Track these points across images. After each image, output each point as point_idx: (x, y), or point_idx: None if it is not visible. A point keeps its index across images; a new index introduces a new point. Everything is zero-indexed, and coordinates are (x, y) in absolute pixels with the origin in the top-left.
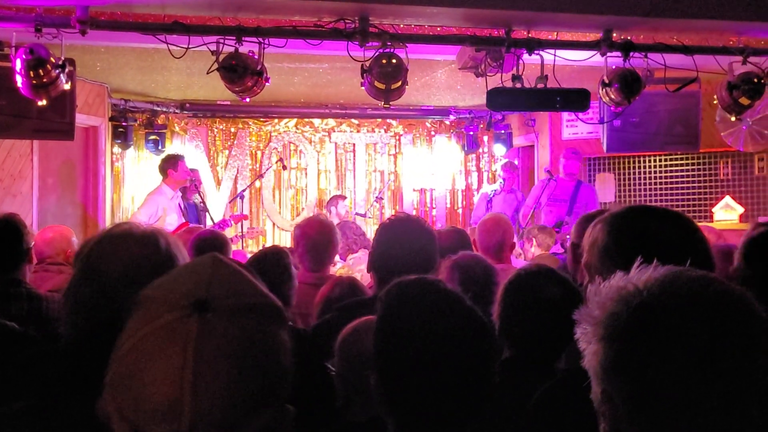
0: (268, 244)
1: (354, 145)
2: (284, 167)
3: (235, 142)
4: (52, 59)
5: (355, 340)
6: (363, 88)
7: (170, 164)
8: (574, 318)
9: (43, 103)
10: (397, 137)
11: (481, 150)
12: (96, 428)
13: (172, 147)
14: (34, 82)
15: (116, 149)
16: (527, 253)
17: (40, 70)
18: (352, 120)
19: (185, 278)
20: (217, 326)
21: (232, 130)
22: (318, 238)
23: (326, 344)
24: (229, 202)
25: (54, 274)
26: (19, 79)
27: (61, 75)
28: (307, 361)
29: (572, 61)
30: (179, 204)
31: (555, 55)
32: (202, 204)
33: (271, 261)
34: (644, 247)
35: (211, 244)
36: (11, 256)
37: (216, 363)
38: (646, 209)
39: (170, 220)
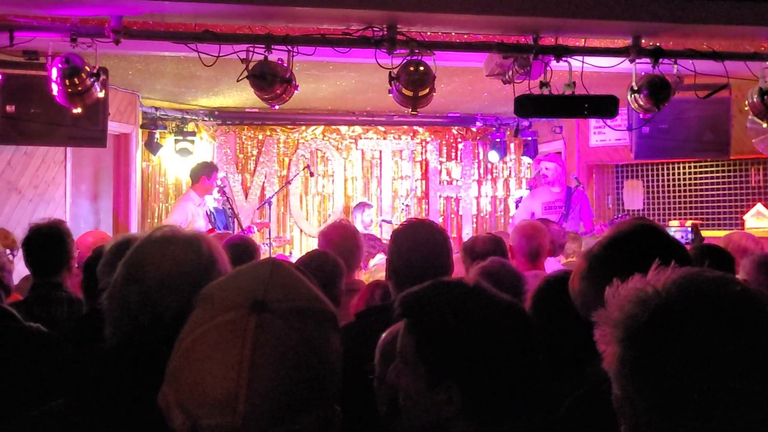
0: (296, 252)
1: (380, 152)
2: (311, 174)
3: (263, 149)
4: (87, 68)
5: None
6: (390, 95)
7: (206, 171)
8: (593, 320)
9: (77, 111)
10: (424, 144)
11: (507, 157)
12: (137, 426)
13: (201, 154)
14: (70, 90)
15: (146, 156)
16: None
17: (75, 79)
18: (379, 127)
19: (245, 280)
20: (274, 326)
21: (260, 137)
22: (343, 243)
23: (354, 350)
24: (257, 209)
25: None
26: (54, 88)
27: (96, 83)
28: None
29: (600, 67)
30: (206, 211)
31: (583, 62)
32: (231, 210)
33: (318, 263)
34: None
35: (242, 250)
36: (54, 261)
37: (271, 361)
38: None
39: (198, 226)
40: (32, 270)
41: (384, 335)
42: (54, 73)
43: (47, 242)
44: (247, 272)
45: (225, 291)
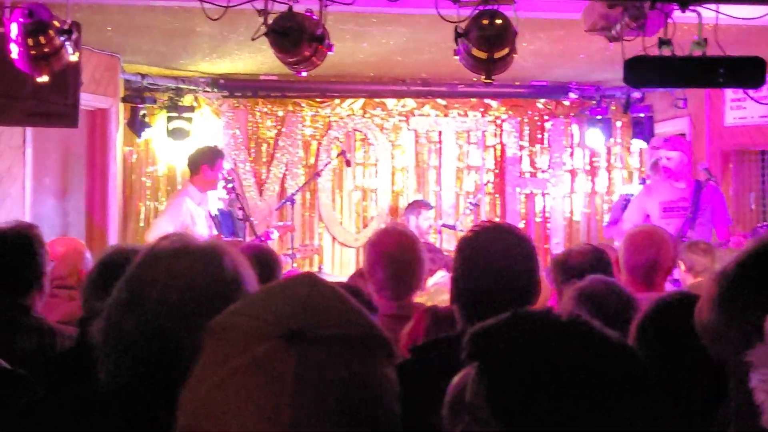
0: (326, 266)
1: (440, 133)
2: (348, 163)
3: (284, 130)
4: (56, 23)
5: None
6: (455, 58)
7: (207, 159)
8: (746, 360)
9: (44, 79)
10: (499, 123)
11: (613, 140)
12: None
13: (202, 136)
14: (33, 52)
15: (129, 139)
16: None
17: (41, 37)
18: (438, 100)
19: (276, 302)
20: (317, 361)
21: (280, 113)
22: (401, 255)
23: (410, 396)
24: (276, 209)
25: (63, 301)
26: (14, 49)
27: (66, 43)
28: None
29: (741, 19)
30: (209, 212)
31: (718, 12)
32: (241, 211)
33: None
34: None
35: (258, 262)
36: (22, 277)
37: (317, 405)
38: None
39: (199, 231)
40: None
41: (456, 380)
42: (14, 30)
43: (13, 252)
44: (279, 293)
45: (251, 318)
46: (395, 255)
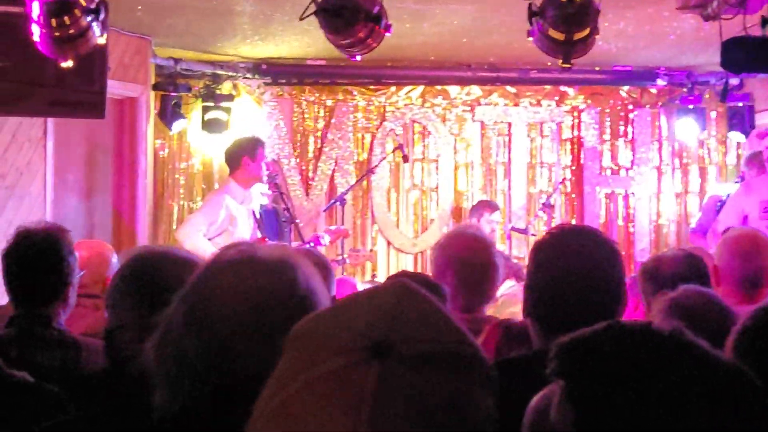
0: (380, 273)
1: (509, 125)
2: (405, 158)
3: (333, 121)
4: (82, 1)
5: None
6: (529, 39)
7: (248, 150)
8: None
9: (68, 64)
10: (576, 113)
11: (706, 133)
12: None
13: (241, 128)
14: (57, 33)
15: (161, 131)
16: None
17: (66, 18)
18: (508, 88)
19: (361, 312)
20: (402, 379)
21: (329, 103)
22: (474, 261)
23: None
24: (324, 210)
25: (89, 311)
26: (36, 30)
27: (93, 24)
28: None
29: None
30: (252, 211)
31: None
32: (286, 211)
33: None
34: None
35: None
36: (47, 285)
37: (397, 427)
38: None
39: (240, 234)
40: (12, 296)
41: (535, 401)
42: (35, 10)
43: (40, 257)
44: (366, 301)
45: (331, 327)
46: (468, 260)
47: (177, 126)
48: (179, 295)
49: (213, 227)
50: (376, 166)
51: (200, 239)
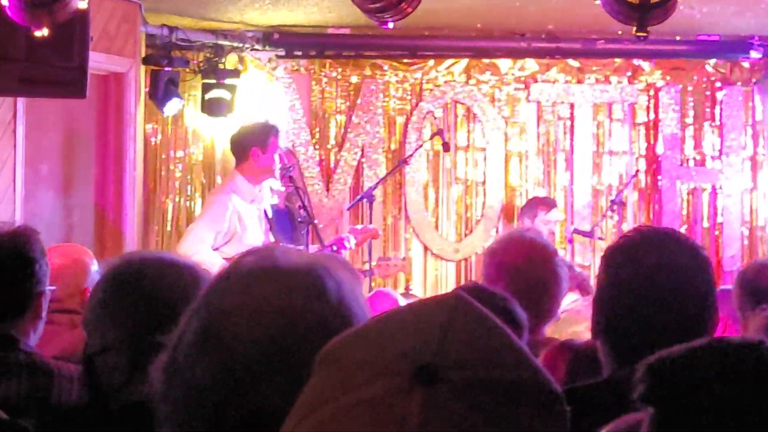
0: (415, 285)
1: (571, 106)
2: (446, 147)
3: (359, 102)
4: None
5: None
6: (597, 2)
7: (257, 138)
8: None
9: (42, 33)
10: (653, 92)
11: None
12: None
13: (249, 110)
14: None
15: (153, 114)
16: None
17: None
18: (570, 61)
19: (405, 330)
20: (450, 409)
21: (354, 79)
22: (532, 271)
23: None
24: (348, 209)
25: (64, 329)
26: None
27: None
28: None
29: None
30: (265, 212)
31: None
32: (301, 210)
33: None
34: None
35: None
36: (12, 297)
37: None
38: None
39: (251, 241)
40: None
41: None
42: None
43: (4, 264)
44: (411, 317)
45: (370, 347)
46: (524, 270)
47: (172, 107)
48: (190, 311)
49: (220, 236)
50: (410, 155)
51: (207, 254)
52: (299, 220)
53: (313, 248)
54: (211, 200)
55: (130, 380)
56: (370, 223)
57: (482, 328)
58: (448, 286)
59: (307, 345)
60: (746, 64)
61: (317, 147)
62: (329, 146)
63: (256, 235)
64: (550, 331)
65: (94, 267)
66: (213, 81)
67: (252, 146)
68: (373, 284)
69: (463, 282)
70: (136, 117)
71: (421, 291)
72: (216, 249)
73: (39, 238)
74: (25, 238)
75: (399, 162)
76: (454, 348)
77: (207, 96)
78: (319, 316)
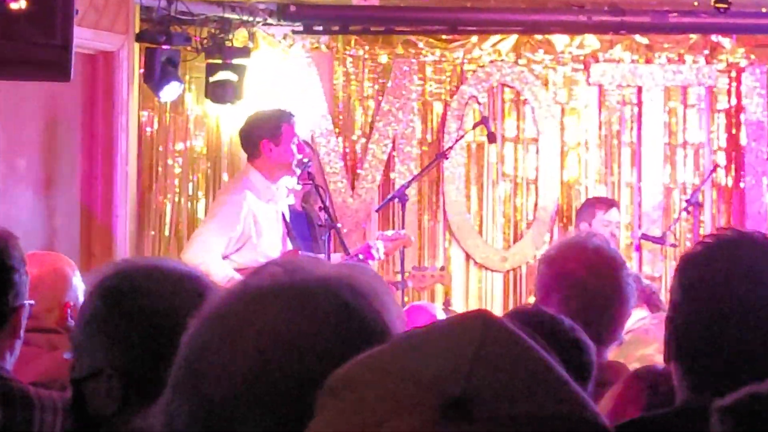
0: (456, 300)
1: (639, 89)
2: (491, 138)
3: (390, 86)
4: None
5: None
6: None
7: (265, 129)
8: None
9: (20, 5)
10: (735, 74)
11: None
12: None
13: (261, 95)
14: None
15: (149, 99)
16: None
17: None
18: (637, 38)
19: (430, 354)
20: None
21: (384, 59)
22: (595, 284)
23: None
24: (377, 211)
25: (42, 351)
26: None
27: None
28: None
29: None
30: (283, 214)
31: None
32: (322, 212)
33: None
34: None
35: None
36: None
37: None
38: None
39: (267, 247)
40: None
41: None
42: None
43: None
44: (435, 340)
45: (394, 375)
46: (586, 283)
47: (170, 92)
48: (183, 349)
49: (232, 242)
50: (450, 148)
51: (217, 264)
52: (319, 224)
53: (336, 257)
54: (222, 200)
55: (123, 409)
56: (403, 227)
57: (517, 354)
58: (494, 301)
59: (312, 378)
60: None
61: (341, 138)
62: (355, 137)
63: (272, 242)
64: (614, 354)
65: (76, 279)
66: (219, 61)
67: (262, 139)
68: (406, 298)
69: (510, 296)
70: (128, 103)
71: (462, 306)
72: (225, 257)
73: (18, 244)
74: (2, 243)
75: (436, 156)
76: (485, 378)
77: (212, 78)
78: (349, 346)
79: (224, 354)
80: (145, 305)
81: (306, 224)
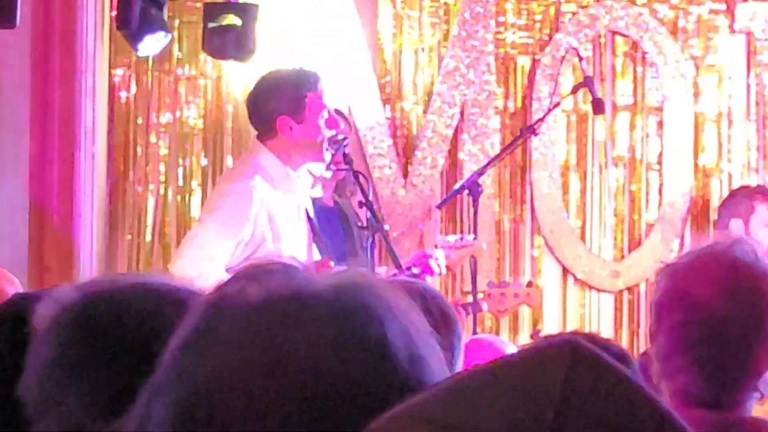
0: (549, 326)
1: None
2: (598, 106)
3: (456, 33)
4: None
5: None
6: None
7: (287, 101)
8: None
9: None
10: None
11: None
12: None
13: (281, 48)
14: None
15: (123, 53)
16: None
17: None
18: None
19: (506, 396)
20: None
21: (441, 12)
22: (728, 308)
23: None
24: (438, 207)
25: None
26: None
27: None
28: None
29: None
30: (306, 210)
31: None
32: (362, 208)
33: None
34: None
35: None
36: None
37: None
38: None
39: (288, 254)
40: None
41: None
42: None
43: None
44: (509, 376)
45: (452, 415)
46: (715, 306)
47: (152, 44)
48: (154, 383)
49: (240, 247)
50: (540, 120)
51: (220, 276)
52: (358, 224)
53: (381, 270)
54: (225, 190)
55: None
56: (474, 230)
57: (616, 384)
58: (600, 330)
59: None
60: None
61: (388, 106)
62: (408, 105)
63: (294, 248)
64: (760, 409)
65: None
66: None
67: (278, 114)
68: (479, 327)
69: (624, 324)
70: (95, 59)
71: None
72: (228, 270)
73: None
74: None
75: (522, 131)
76: (578, 419)
77: (210, 24)
78: (368, 382)
79: (247, 388)
80: (130, 339)
81: (339, 225)
